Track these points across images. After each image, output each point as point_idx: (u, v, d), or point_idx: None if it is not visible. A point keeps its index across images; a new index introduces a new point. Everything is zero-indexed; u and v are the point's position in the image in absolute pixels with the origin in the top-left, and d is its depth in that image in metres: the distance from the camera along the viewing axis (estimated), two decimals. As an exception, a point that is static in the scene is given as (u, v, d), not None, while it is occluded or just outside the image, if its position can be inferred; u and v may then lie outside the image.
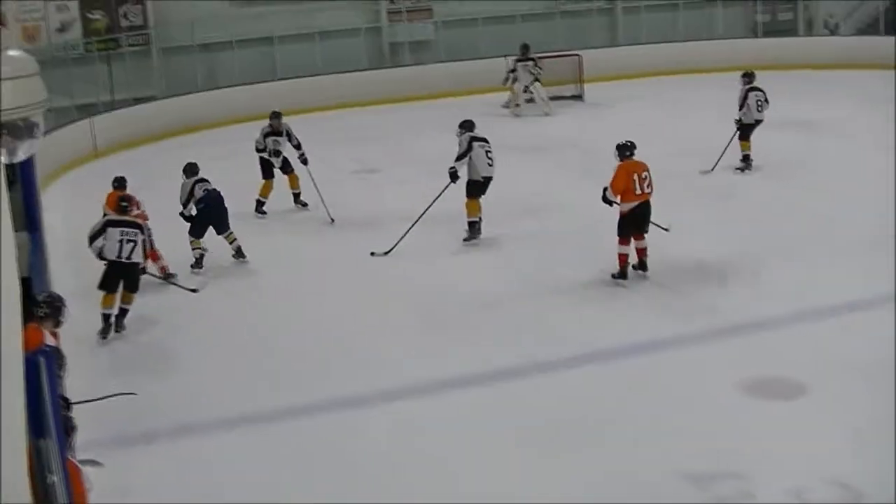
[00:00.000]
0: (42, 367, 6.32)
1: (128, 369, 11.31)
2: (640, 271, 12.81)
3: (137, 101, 26.12)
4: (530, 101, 25.49)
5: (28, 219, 11.94)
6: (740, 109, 18.15)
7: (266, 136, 17.17)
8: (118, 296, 12.23)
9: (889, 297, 11.22)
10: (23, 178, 11.46)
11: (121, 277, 12.22)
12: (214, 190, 14.66)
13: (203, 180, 14.81)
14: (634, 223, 12.69)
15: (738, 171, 17.99)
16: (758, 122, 18.14)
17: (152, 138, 24.45)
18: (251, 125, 25.02)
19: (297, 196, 17.44)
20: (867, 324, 10.78)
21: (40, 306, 8.66)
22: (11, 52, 3.51)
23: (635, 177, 12.51)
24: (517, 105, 25.41)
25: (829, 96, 25.13)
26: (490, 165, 14.73)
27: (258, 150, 17.30)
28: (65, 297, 9.05)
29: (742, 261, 13.16)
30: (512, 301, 12.35)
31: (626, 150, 12.75)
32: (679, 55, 29.94)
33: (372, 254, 14.59)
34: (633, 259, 12.82)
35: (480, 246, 14.62)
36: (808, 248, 13.51)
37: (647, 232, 12.77)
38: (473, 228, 14.87)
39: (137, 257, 12.25)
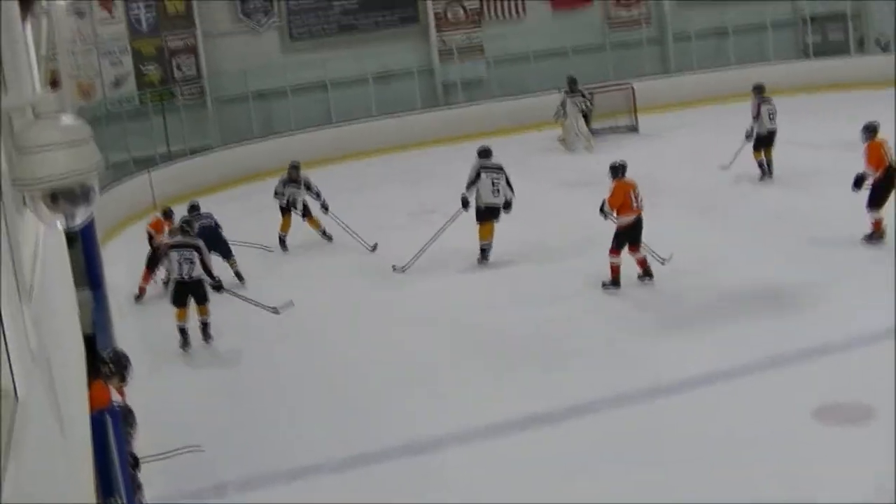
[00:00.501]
0: (108, 425, 6.34)
1: (195, 421, 11.05)
2: (647, 279, 13.76)
3: (193, 152, 25.94)
4: (578, 135, 25.12)
5: (89, 276, 11.90)
6: (754, 120, 19.15)
7: (285, 184, 18.06)
8: (190, 310, 13.27)
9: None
10: (83, 236, 11.33)
11: (187, 294, 13.26)
12: (206, 221, 15.78)
13: (198, 215, 15.95)
14: (630, 236, 13.64)
15: (760, 180, 18.99)
16: (771, 132, 19.05)
17: (210, 189, 24.22)
18: (308, 172, 25.18)
19: (323, 233, 18.29)
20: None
21: (106, 364, 8.49)
22: (65, 119, 3.46)
23: (631, 193, 13.53)
24: (565, 140, 25.18)
25: (883, 116, 24.50)
26: (495, 195, 15.44)
27: (276, 197, 18.03)
28: (130, 356, 8.92)
29: (799, 284, 12.99)
30: (579, 333, 12.25)
31: (619, 170, 13.79)
32: (732, 80, 29.38)
33: (393, 268, 15.79)
34: (615, 274, 13.68)
35: (541, 280, 14.55)
36: (863, 270, 13.26)
37: (641, 244, 13.72)
38: (483, 254, 15.69)
39: (197, 274, 13.21)
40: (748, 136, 19.19)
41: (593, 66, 29.81)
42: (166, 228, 16.47)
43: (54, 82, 22.60)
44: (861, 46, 33.66)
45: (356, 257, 17.07)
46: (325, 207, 17.92)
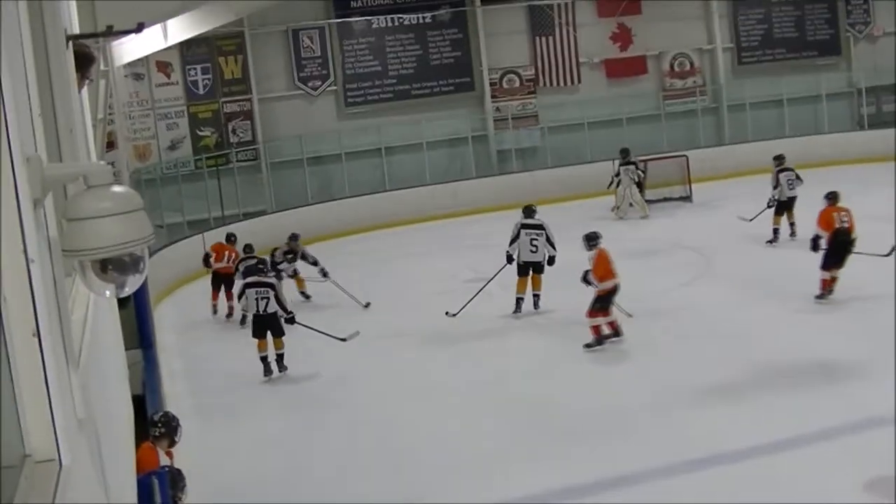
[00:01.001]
0: (156, 488, 6.35)
1: (244, 480, 11.02)
2: (616, 338, 14.28)
3: (247, 215, 25.86)
4: (631, 205, 24.97)
5: (141, 336, 11.99)
6: (774, 189, 20.15)
7: (285, 253, 18.58)
8: (269, 342, 14.26)
9: None
10: (135, 297, 11.31)
11: (265, 327, 14.41)
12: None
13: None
14: (609, 300, 14.18)
15: (768, 243, 19.82)
16: (791, 199, 20.02)
17: (264, 252, 24.10)
18: (362, 237, 25.19)
19: (302, 292, 19.03)
20: None
21: (156, 426, 8.44)
22: (116, 188, 3.41)
23: (611, 261, 14.12)
24: (618, 208, 25.08)
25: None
26: (533, 252, 16.45)
27: (273, 266, 17.89)
28: (180, 416, 8.84)
29: (843, 355, 12.89)
30: (632, 404, 12.09)
31: (593, 239, 14.39)
32: (786, 151, 29.02)
33: (447, 314, 16.58)
34: (598, 333, 14.23)
35: (599, 352, 14.30)
36: None
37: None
38: (518, 304, 16.63)
39: (273, 309, 14.34)
40: (769, 205, 20.25)
41: (648, 135, 29.81)
42: (227, 254, 18.81)
43: (110, 144, 22.85)
44: (916, 117, 33.28)
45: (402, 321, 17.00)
46: (324, 274, 18.39)
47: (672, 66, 31.79)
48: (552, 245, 16.53)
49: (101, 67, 16.08)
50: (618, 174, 25.21)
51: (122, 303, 10.68)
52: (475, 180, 28.72)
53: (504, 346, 15.18)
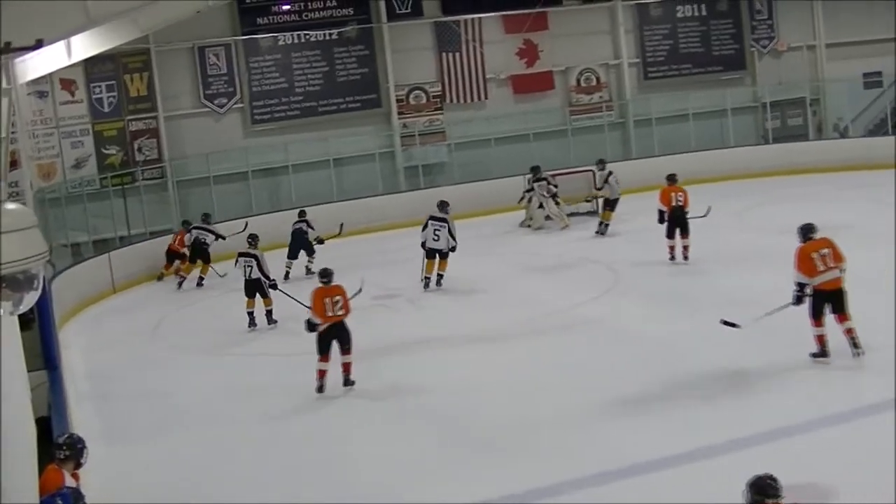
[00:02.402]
0: None
1: (166, 496, 11.44)
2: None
3: (154, 234, 26.89)
4: (548, 218, 26.33)
5: (46, 357, 12.48)
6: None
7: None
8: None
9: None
10: (39, 317, 11.85)
11: (253, 290, 18.42)
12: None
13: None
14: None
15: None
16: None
17: (171, 271, 25.05)
18: (268, 255, 25.94)
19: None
20: (883, 427, 10.85)
21: (61, 448, 8.61)
22: (9, 206, 3.59)
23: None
24: (531, 219, 26.50)
25: (842, 199, 25.71)
26: (435, 240, 20.05)
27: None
28: (86, 438, 9.05)
29: (752, 364, 13.44)
30: (543, 417, 12.53)
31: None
32: (692, 165, 30.50)
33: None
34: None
35: (507, 365, 14.96)
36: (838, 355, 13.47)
37: None
38: (426, 282, 20.34)
39: (256, 275, 18.30)
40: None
41: (555, 150, 31.40)
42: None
43: (14, 163, 23.55)
44: (820, 131, 35.18)
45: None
46: (273, 286, 18.98)
47: (578, 82, 33.57)
48: (453, 237, 20.03)
49: (3, 85, 16.93)
50: (530, 189, 26.45)
51: (26, 323, 11.05)
52: (382, 197, 29.98)
53: (414, 361, 15.67)
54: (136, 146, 28.95)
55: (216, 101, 29.91)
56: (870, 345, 13.17)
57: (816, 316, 13.25)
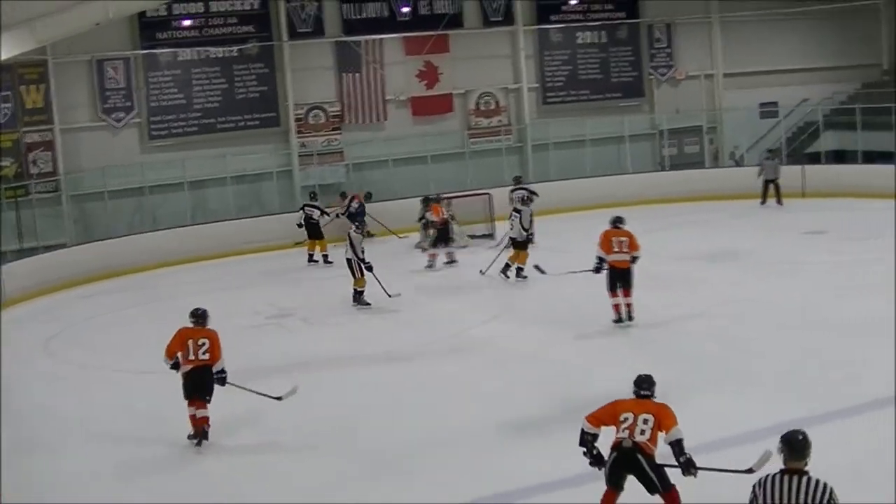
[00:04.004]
0: None
1: None
2: None
3: (48, 248, 28.20)
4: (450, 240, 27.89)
5: None
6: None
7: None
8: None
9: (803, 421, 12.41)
10: None
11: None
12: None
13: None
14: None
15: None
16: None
17: (64, 286, 26.37)
18: (166, 271, 27.32)
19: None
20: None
21: None
22: None
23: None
24: (426, 241, 27.99)
25: (735, 226, 28.31)
26: (510, 229, 22.61)
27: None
28: None
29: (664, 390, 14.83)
30: (435, 440, 13.28)
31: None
32: (589, 190, 32.65)
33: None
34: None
35: (404, 386, 15.71)
36: (723, 377, 14.78)
37: None
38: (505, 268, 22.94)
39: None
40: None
41: (452, 173, 33.47)
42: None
43: None
44: (716, 159, 37.69)
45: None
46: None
47: (478, 105, 35.82)
48: (524, 228, 22.58)
49: None
50: (428, 211, 27.99)
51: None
52: (279, 216, 31.26)
53: (308, 381, 15.77)
54: (30, 158, 29.89)
55: (113, 116, 31.10)
56: (760, 372, 14.70)
57: (611, 288, 18.20)
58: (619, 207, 28.06)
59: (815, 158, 35.79)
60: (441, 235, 26.16)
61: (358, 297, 21.42)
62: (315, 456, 13.13)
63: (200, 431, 13.44)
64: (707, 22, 38.44)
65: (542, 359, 16.78)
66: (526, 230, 22.95)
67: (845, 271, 21.62)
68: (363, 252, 21.30)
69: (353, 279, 21.47)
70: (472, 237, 28.98)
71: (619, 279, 18.15)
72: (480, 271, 23.57)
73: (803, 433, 7.53)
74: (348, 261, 21.37)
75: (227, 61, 32.56)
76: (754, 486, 7.41)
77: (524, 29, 36.00)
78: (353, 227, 22.17)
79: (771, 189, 31.65)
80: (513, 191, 28.74)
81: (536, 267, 20.71)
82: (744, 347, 16.01)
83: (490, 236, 29.25)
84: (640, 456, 9.59)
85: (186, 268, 27.75)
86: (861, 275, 20.95)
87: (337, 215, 28.85)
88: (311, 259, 27.55)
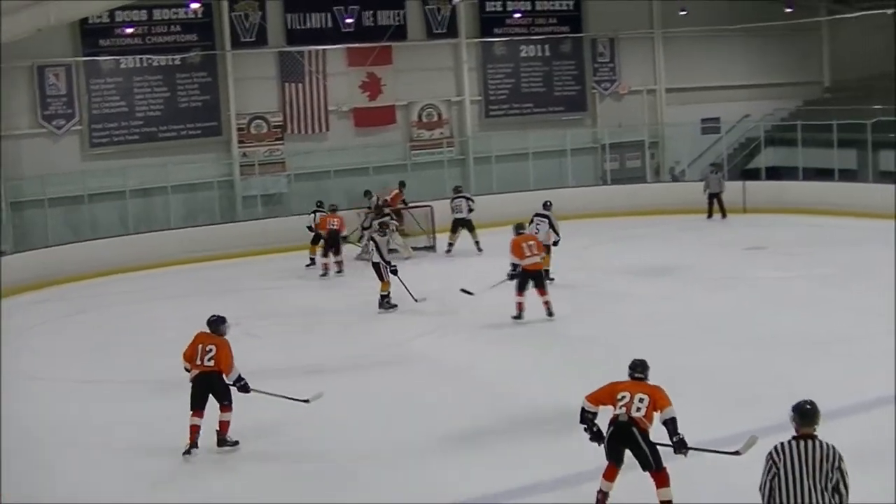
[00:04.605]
0: None
1: None
2: None
3: (-13, 256, 28.61)
4: (394, 250, 28.61)
5: None
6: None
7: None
8: None
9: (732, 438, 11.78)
10: None
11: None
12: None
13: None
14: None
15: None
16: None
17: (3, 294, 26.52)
18: (105, 280, 27.76)
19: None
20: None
21: None
22: None
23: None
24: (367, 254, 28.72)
25: (676, 240, 29.29)
26: (535, 233, 22.10)
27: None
28: None
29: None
30: (369, 451, 13.48)
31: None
32: (531, 203, 32.97)
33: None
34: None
35: (338, 398, 15.43)
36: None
37: None
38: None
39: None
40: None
41: (395, 184, 33.69)
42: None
43: None
44: (658, 174, 38.91)
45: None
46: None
47: (420, 117, 36.75)
48: (556, 232, 23.55)
49: None
50: (369, 226, 28.69)
51: None
52: (220, 226, 32.26)
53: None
54: (-32, 166, 30.18)
55: (54, 123, 31.50)
56: (692, 387, 14.42)
57: (520, 289, 20.04)
58: (560, 221, 28.95)
59: (754, 174, 37.11)
60: (330, 243, 27.24)
61: (383, 301, 22.07)
62: (251, 469, 13.28)
63: (192, 442, 13.56)
64: (650, 37, 39.76)
65: (479, 371, 17.18)
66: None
67: (784, 287, 22.36)
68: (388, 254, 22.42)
69: (379, 283, 22.20)
70: (415, 249, 29.68)
71: (534, 280, 20.09)
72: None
73: (811, 402, 8.43)
74: (375, 265, 22.14)
75: (170, 70, 33.10)
76: (771, 454, 8.25)
77: (467, 41, 37.00)
78: (377, 230, 23.36)
79: (716, 204, 32.87)
80: (453, 200, 29.77)
81: (463, 290, 21.68)
82: (677, 363, 15.79)
83: (431, 248, 30.06)
84: (635, 430, 10.50)
85: (127, 277, 28.17)
86: (799, 290, 21.77)
87: (362, 227, 29.74)
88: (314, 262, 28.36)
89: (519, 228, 20.93)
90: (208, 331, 13.97)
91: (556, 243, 23.48)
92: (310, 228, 28.45)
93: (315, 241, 28.23)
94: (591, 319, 20.35)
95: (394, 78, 35.92)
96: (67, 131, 31.82)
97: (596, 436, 10.91)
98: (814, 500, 8.06)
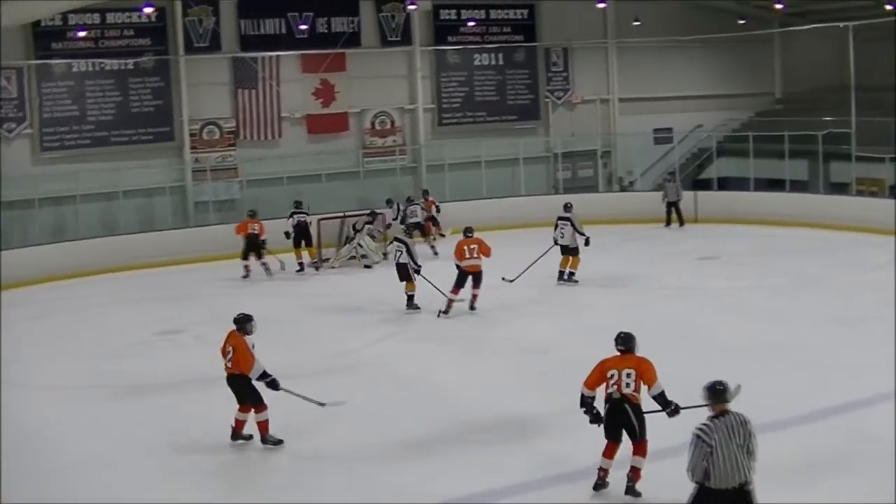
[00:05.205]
0: None
1: None
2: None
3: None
4: (365, 256, 29.87)
5: None
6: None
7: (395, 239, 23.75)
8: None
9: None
10: None
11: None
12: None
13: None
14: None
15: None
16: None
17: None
18: (56, 285, 28.15)
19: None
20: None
21: None
22: None
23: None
24: (324, 261, 29.91)
25: (627, 250, 30.05)
26: (560, 237, 24.81)
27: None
28: None
29: (535, 410, 15.10)
30: (323, 458, 13.88)
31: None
32: (483, 212, 33.91)
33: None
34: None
35: (292, 406, 15.24)
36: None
37: None
38: (560, 275, 24.94)
39: (404, 260, 22.65)
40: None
41: (347, 191, 34.85)
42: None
43: None
44: (610, 183, 39.78)
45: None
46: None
47: (373, 124, 37.51)
48: (580, 233, 24.84)
49: None
50: (361, 229, 30.10)
51: None
52: (172, 231, 32.76)
53: (196, 398, 16.79)
54: None
55: (5, 126, 31.80)
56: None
57: (457, 286, 22.23)
58: (512, 230, 29.68)
59: (706, 185, 38.14)
60: (250, 247, 28.38)
61: (410, 301, 22.92)
62: (190, 477, 13.52)
63: (235, 432, 14.33)
64: (604, 47, 40.83)
65: (434, 379, 17.52)
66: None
67: (737, 296, 23.03)
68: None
69: (405, 284, 22.98)
70: (365, 257, 30.04)
71: (472, 279, 22.28)
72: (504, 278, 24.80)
73: (721, 381, 9.66)
74: (402, 265, 22.79)
75: (123, 74, 33.61)
76: (700, 437, 9.27)
77: (421, 49, 37.86)
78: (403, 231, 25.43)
79: (674, 212, 34.02)
80: (407, 207, 30.91)
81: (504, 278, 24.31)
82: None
83: (385, 255, 30.29)
84: (627, 406, 11.64)
85: (79, 282, 28.63)
86: (752, 300, 22.48)
87: (372, 235, 30.60)
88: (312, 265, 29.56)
89: (468, 232, 22.75)
90: (236, 329, 14.37)
91: (587, 242, 24.96)
92: (287, 235, 29.39)
93: (297, 245, 29.53)
94: (547, 328, 20.92)
95: (347, 85, 36.63)
96: (18, 135, 32.12)
97: (595, 418, 11.92)
98: (741, 465, 9.22)
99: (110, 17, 33.12)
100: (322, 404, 14.74)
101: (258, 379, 14.03)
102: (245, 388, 14.05)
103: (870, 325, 19.59)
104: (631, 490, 11.66)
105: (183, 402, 16.85)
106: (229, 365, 14.07)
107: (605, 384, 11.77)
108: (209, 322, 22.02)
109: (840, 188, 35.39)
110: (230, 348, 14.10)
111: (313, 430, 14.88)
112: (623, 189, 39.61)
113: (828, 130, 35.00)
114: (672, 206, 34.02)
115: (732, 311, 21.63)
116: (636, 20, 38.30)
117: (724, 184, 38.06)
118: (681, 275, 26.15)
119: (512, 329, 21.11)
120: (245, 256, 28.42)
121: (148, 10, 31.95)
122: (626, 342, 11.96)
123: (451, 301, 22.15)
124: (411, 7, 34.13)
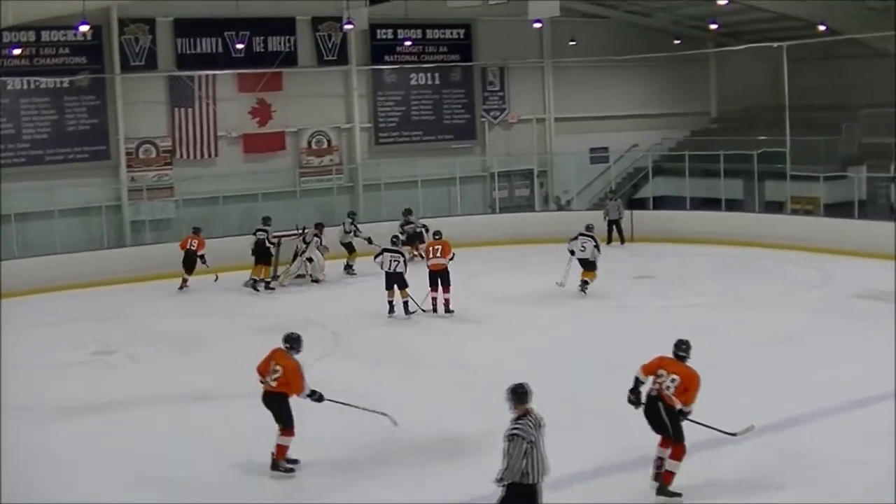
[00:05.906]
0: None
1: None
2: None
3: None
4: (300, 276, 30.43)
5: None
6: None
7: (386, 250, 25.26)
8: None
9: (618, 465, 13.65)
10: None
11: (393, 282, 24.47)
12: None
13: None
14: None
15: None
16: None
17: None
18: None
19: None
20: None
21: None
22: None
23: None
24: (276, 277, 30.48)
25: (563, 270, 29.78)
26: (581, 250, 26.48)
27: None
28: None
29: (478, 433, 14.97)
30: (256, 475, 14.20)
31: None
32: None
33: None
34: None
35: (224, 426, 16.38)
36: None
37: None
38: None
39: (400, 269, 24.59)
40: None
41: (283, 211, 35.05)
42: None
43: None
44: (547, 202, 40.84)
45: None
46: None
47: (310, 144, 38.46)
48: (599, 250, 26.53)
49: None
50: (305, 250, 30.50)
51: None
52: (107, 251, 33.27)
53: (130, 419, 17.14)
54: None
55: (-64, 145, 32.39)
56: (578, 415, 15.62)
57: (431, 285, 24.67)
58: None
59: (642, 204, 39.09)
60: (186, 262, 29.96)
61: (406, 307, 24.77)
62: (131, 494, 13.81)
63: (275, 459, 14.24)
64: (540, 67, 42.12)
65: (371, 399, 16.59)
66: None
67: (673, 314, 23.45)
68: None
69: (389, 291, 24.75)
70: (300, 276, 30.48)
71: (439, 278, 24.67)
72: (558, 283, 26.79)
73: (522, 384, 10.59)
74: (399, 274, 24.49)
75: (58, 92, 34.16)
76: (519, 438, 10.14)
77: (358, 69, 38.86)
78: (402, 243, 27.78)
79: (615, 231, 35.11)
80: (351, 223, 32.43)
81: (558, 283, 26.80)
82: (579, 390, 17.08)
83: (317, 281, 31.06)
84: (660, 404, 12.57)
85: (12, 301, 28.40)
86: (687, 318, 22.51)
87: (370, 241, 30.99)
88: (259, 284, 29.79)
89: (436, 235, 26.45)
90: (283, 348, 14.46)
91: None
92: (252, 251, 29.99)
93: (256, 262, 30.02)
94: (486, 347, 21.47)
95: (284, 104, 37.53)
96: (-48, 154, 32.60)
97: (634, 401, 12.90)
98: (546, 455, 10.38)
99: (45, 35, 33.70)
100: (385, 414, 14.92)
101: (307, 396, 14.28)
102: (283, 408, 14.15)
103: (804, 342, 20.55)
104: (662, 490, 12.59)
105: (121, 421, 17.05)
106: (273, 384, 14.10)
107: (653, 378, 12.80)
108: (143, 342, 22.87)
109: (775, 207, 36.62)
110: (278, 367, 14.11)
111: (241, 451, 15.08)
112: (560, 208, 40.63)
113: (762, 149, 36.07)
114: (613, 223, 35.07)
115: (667, 330, 21.11)
116: (572, 40, 39.53)
117: (660, 203, 39.00)
118: (618, 293, 26.74)
119: (446, 346, 21.80)
120: (188, 271, 29.95)
121: (84, 28, 31.67)
122: (685, 349, 12.98)
123: (433, 298, 24.87)
124: (348, 27, 34.86)
